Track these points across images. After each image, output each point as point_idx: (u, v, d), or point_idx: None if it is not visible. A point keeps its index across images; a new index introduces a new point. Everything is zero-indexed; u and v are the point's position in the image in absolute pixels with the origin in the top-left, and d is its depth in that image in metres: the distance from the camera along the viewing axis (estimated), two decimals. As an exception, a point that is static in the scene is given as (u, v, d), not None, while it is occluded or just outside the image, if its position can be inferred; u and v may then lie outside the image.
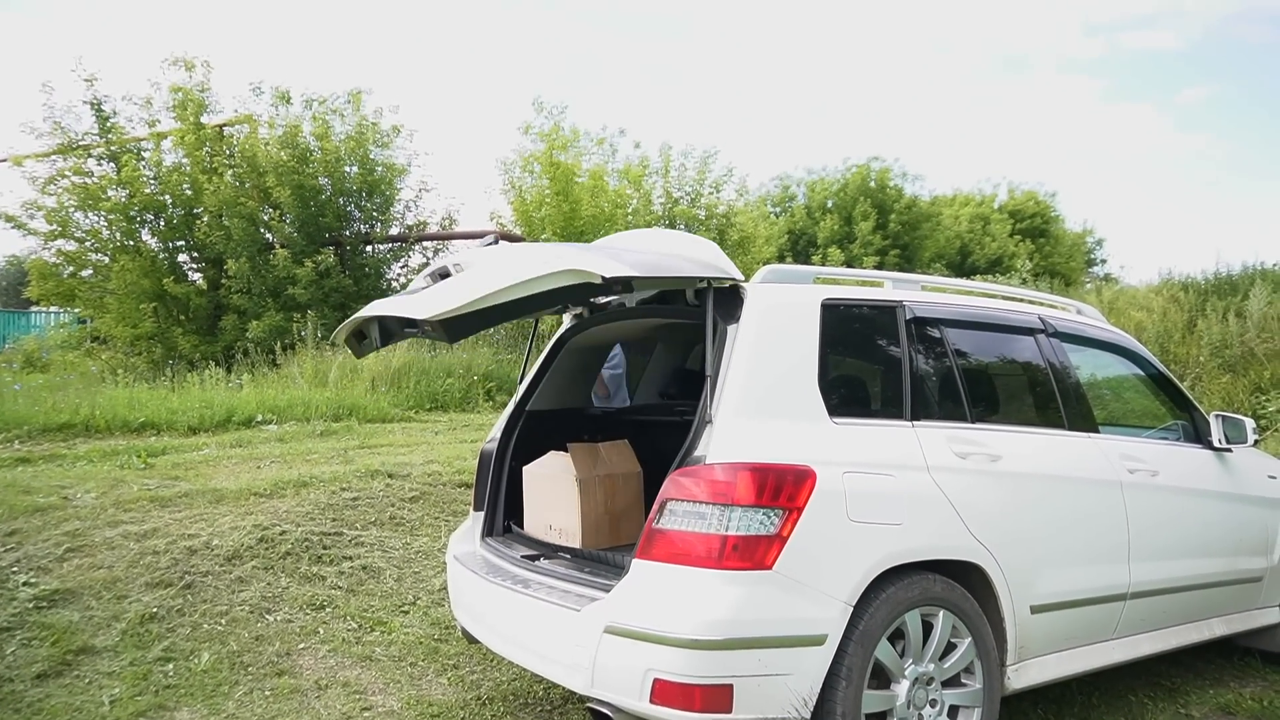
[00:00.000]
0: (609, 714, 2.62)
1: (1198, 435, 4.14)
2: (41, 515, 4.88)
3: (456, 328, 2.46)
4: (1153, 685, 4.06)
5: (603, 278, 2.54)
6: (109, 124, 13.42)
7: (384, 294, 14.14)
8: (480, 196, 51.47)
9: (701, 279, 2.85)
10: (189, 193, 13.29)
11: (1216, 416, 4.11)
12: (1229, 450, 4.10)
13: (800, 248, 25.58)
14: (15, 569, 4.30)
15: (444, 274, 2.75)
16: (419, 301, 2.58)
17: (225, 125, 14.13)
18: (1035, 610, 3.12)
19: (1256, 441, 4.27)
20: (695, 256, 2.90)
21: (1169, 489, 3.73)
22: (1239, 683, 4.15)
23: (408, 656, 4.02)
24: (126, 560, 4.49)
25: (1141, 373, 4.27)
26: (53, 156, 13.29)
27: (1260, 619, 4.19)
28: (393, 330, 2.75)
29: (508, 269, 2.55)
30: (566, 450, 3.44)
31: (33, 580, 4.22)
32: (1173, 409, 4.29)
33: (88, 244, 13.65)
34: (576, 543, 3.32)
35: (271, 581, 4.56)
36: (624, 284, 2.67)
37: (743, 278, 2.93)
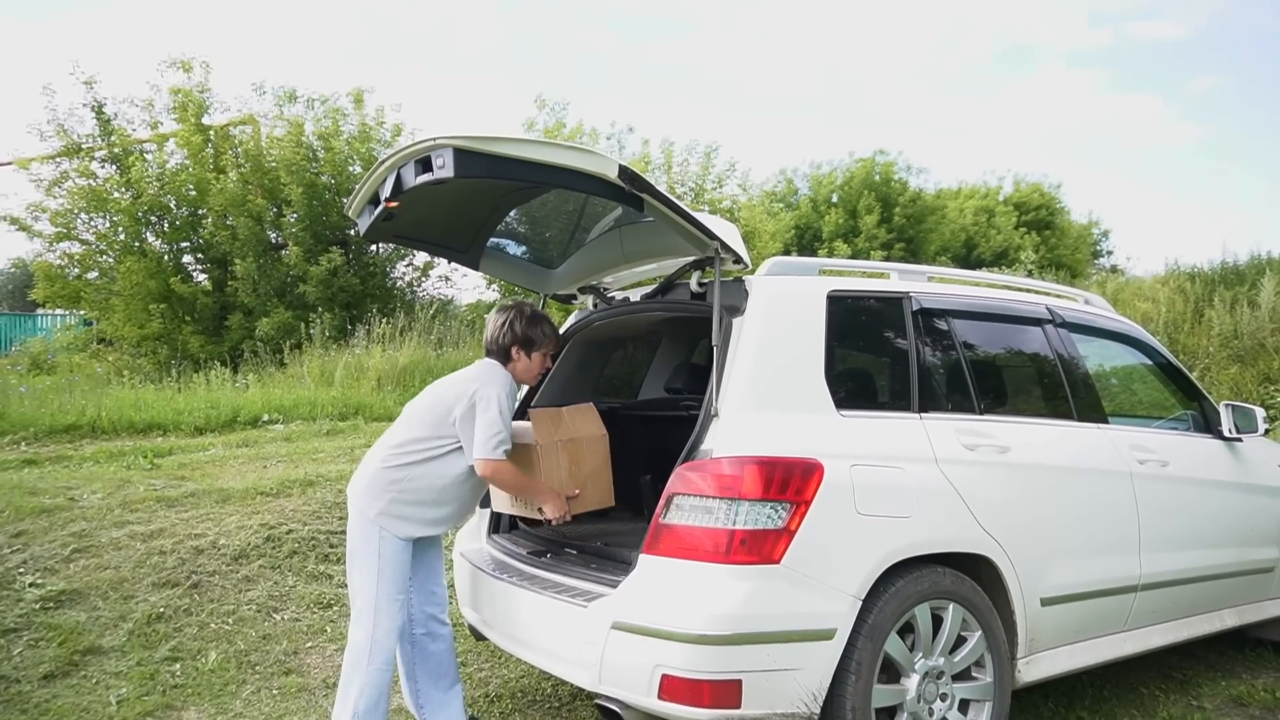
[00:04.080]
0: (617, 710, 2.60)
1: (1207, 425, 4.10)
2: (48, 516, 4.88)
3: (468, 163, 2.50)
4: (1164, 677, 4.04)
5: (619, 172, 2.56)
6: (110, 126, 13.43)
7: (390, 293, 14.15)
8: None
9: (711, 244, 2.83)
10: (193, 194, 13.29)
11: (1226, 406, 4.08)
12: (1239, 440, 4.07)
13: (805, 242, 25.49)
14: (22, 570, 4.31)
15: None
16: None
17: (229, 125, 14.12)
18: (1046, 603, 3.09)
19: (1267, 431, 4.24)
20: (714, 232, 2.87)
21: (1179, 479, 3.70)
22: (1251, 674, 4.12)
23: (415, 654, 4.01)
24: (133, 560, 4.49)
25: (1150, 362, 4.24)
26: (57, 159, 13.30)
27: (1272, 610, 4.16)
28: (406, 180, 2.76)
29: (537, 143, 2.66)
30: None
31: (39, 581, 4.22)
32: (1182, 399, 4.26)
33: (93, 246, 13.67)
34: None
35: (278, 580, 4.56)
36: (636, 199, 2.65)
37: (749, 259, 2.90)
